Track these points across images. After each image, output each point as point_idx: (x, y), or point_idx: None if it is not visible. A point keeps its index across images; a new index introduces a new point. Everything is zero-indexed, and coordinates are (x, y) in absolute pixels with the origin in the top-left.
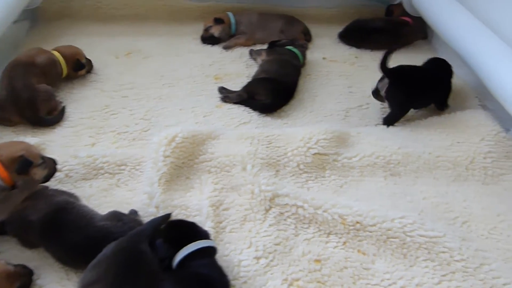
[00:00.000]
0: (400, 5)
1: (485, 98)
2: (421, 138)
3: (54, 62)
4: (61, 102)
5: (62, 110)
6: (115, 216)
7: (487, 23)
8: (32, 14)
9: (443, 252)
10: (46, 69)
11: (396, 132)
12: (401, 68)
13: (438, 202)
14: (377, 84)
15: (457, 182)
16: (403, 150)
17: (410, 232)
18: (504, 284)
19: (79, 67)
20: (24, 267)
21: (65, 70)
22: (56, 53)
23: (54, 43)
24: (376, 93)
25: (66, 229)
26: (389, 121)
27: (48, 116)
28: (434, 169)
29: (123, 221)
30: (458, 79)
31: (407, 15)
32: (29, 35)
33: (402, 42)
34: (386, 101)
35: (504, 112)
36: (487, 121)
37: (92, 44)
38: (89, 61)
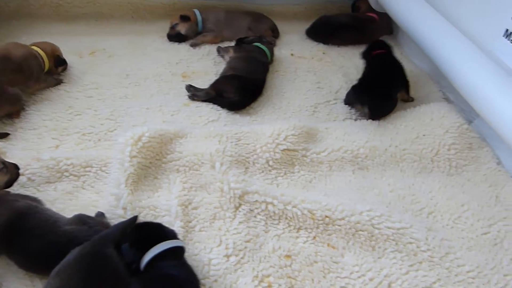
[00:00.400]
0: (366, 1)
1: (448, 91)
2: (388, 132)
3: (33, 56)
4: (24, 106)
5: (4, 134)
6: (81, 219)
7: (449, 18)
8: None
9: (410, 243)
10: (24, 64)
11: (363, 126)
12: (369, 91)
13: (405, 194)
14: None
15: (423, 174)
16: (370, 144)
17: (378, 224)
18: (468, 272)
19: (60, 63)
20: None
21: (47, 65)
22: (36, 48)
23: None
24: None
25: (28, 235)
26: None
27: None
28: (401, 162)
29: (89, 225)
30: (422, 73)
31: (373, 11)
32: None
33: (368, 37)
34: None
35: (466, 104)
36: (451, 113)
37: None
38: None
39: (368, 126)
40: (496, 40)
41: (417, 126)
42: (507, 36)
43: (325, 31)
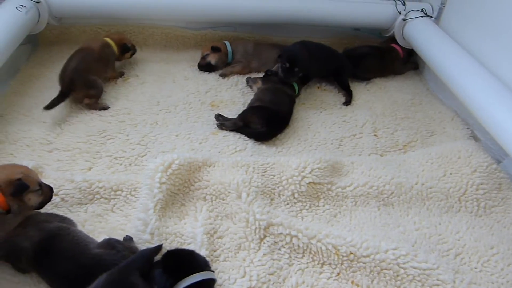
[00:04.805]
0: (392, 38)
1: (476, 129)
2: (414, 168)
3: (107, 45)
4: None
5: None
6: (110, 244)
7: (476, 57)
8: (34, 39)
9: (437, 285)
10: (102, 53)
11: (389, 162)
12: None
13: (431, 234)
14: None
15: (450, 214)
16: (396, 181)
17: (403, 264)
18: None
19: (126, 50)
20: None
21: (117, 52)
22: (107, 39)
23: (52, 67)
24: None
25: (60, 256)
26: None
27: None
28: (427, 200)
29: (117, 249)
30: (448, 110)
31: (398, 44)
32: (29, 58)
33: (390, 68)
34: None
35: (495, 143)
36: (478, 152)
37: None
38: (133, 45)
39: (393, 163)
40: None
41: (444, 164)
42: None
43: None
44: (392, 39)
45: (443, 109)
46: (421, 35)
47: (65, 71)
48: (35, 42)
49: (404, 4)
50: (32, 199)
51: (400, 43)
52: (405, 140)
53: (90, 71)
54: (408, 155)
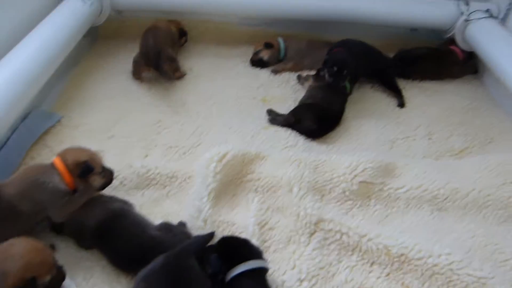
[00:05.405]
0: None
1: None
2: (470, 175)
3: (169, 27)
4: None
5: None
6: (167, 227)
7: None
8: (94, 31)
9: None
10: (168, 31)
11: (444, 167)
12: None
13: (487, 242)
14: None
15: (508, 224)
16: (451, 186)
17: (457, 270)
18: None
19: (183, 34)
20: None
21: (177, 35)
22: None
23: (109, 60)
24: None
25: (120, 235)
26: None
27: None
28: (484, 208)
29: (174, 233)
30: (510, 118)
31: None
32: (89, 51)
33: (448, 71)
34: None
35: None
36: None
37: None
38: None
39: (448, 167)
40: None
41: (503, 172)
42: None
43: (403, 64)
44: (451, 41)
45: (505, 117)
46: (485, 38)
47: (147, 48)
48: (94, 35)
49: (467, 4)
50: (96, 180)
51: (460, 45)
52: (461, 146)
53: (166, 45)
54: (464, 161)
